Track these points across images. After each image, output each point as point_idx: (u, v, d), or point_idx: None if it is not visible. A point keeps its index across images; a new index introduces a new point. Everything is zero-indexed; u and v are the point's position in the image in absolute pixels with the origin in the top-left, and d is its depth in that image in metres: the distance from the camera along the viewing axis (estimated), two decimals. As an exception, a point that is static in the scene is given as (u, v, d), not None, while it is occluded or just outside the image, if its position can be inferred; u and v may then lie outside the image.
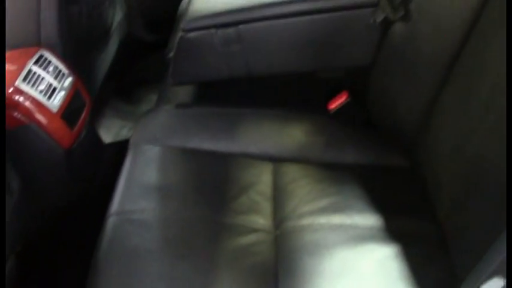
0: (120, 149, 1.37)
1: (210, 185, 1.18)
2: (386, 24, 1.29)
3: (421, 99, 1.19)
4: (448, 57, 1.10)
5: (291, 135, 1.32)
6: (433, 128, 1.15)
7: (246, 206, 1.13)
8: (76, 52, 1.47)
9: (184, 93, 1.56)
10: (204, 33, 1.34)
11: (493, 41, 0.96)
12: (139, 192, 1.15)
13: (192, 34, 1.34)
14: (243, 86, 1.49)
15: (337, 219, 1.09)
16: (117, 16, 1.93)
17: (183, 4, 1.99)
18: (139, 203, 1.13)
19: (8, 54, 1.27)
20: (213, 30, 1.33)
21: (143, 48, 2.39)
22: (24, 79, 1.23)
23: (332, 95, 1.40)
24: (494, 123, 0.91)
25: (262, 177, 1.22)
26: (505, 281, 0.65)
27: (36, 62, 1.28)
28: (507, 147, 0.74)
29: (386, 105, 1.32)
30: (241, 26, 1.32)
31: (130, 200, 1.14)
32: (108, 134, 2.16)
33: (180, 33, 1.35)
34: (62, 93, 1.32)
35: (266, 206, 1.14)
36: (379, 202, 1.14)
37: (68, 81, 1.36)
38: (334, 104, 1.38)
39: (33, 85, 1.24)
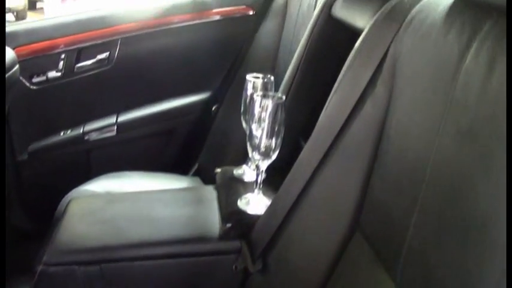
0: None
1: None
2: (248, 272, 1.33)
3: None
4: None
5: None
6: None
7: None
8: None
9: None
10: (65, 268, 1.33)
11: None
12: None
13: (53, 268, 1.33)
14: None
15: None
16: (-7, 207, 1.90)
17: (63, 204, 1.99)
18: None
19: None
20: (75, 267, 1.32)
21: (21, 237, 2.34)
22: None
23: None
24: None
25: None
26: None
27: None
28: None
29: None
30: (104, 265, 1.33)
31: None
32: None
33: (41, 266, 1.34)
34: None
35: None
36: None
37: None
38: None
39: None
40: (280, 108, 1.31)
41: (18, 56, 1.95)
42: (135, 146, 2.47)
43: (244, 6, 2.52)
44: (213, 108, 2.48)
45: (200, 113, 2.51)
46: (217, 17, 2.53)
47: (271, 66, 2.20)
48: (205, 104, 2.51)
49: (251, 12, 2.52)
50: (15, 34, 2.28)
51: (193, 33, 2.50)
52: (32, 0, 13.59)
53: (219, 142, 2.23)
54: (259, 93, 1.39)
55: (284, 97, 1.34)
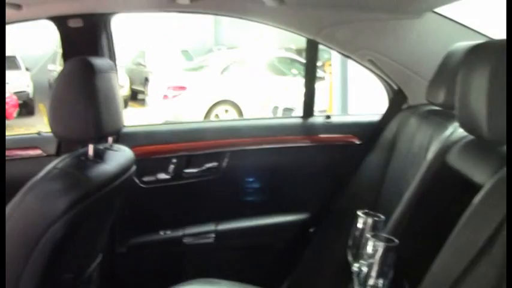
0: None
1: None
2: None
3: None
4: None
5: None
6: None
7: None
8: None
9: None
10: None
11: None
12: None
13: None
14: None
15: None
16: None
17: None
18: None
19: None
20: None
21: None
22: None
23: None
24: None
25: None
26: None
27: None
28: None
29: None
30: None
31: None
32: None
33: None
34: None
35: None
36: None
37: None
38: None
39: None
40: (392, 251, 1.34)
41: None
42: (229, 255, 2.54)
43: (351, 135, 2.62)
44: (310, 230, 2.53)
45: (296, 232, 2.57)
46: (324, 142, 2.63)
47: (373, 199, 2.24)
48: (302, 224, 2.57)
49: (357, 142, 2.61)
50: (134, 135, 2.45)
51: (298, 154, 2.61)
52: (134, 91, 14.42)
53: (315, 265, 2.26)
54: (371, 233, 1.43)
55: (397, 241, 1.37)
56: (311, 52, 2.60)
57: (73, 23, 2.29)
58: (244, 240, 2.55)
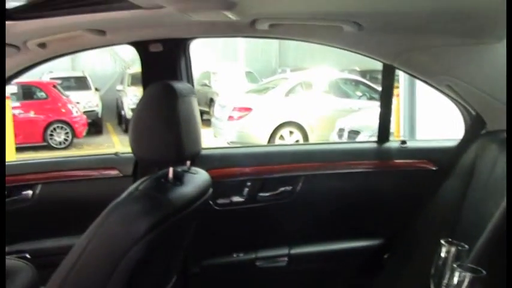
0: None
1: None
2: None
3: None
4: None
5: None
6: None
7: None
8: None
9: None
10: None
11: None
12: None
13: None
14: None
15: None
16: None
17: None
18: None
19: None
20: None
21: None
22: None
23: None
24: None
25: None
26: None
27: None
28: None
29: None
30: None
31: None
32: None
33: None
34: None
35: None
36: None
37: None
38: None
39: None
40: (479, 282, 1.31)
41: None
42: (301, 279, 2.54)
43: (426, 161, 2.58)
44: (385, 256, 2.50)
45: (370, 258, 2.54)
46: (398, 168, 2.61)
47: (450, 227, 2.19)
48: (376, 250, 2.54)
49: (433, 168, 2.57)
50: (210, 157, 2.49)
51: (373, 179, 2.60)
52: (200, 111, 14.56)
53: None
54: (456, 262, 1.40)
55: (485, 272, 1.34)
56: (387, 77, 2.59)
57: (153, 48, 2.36)
58: (317, 264, 2.55)
